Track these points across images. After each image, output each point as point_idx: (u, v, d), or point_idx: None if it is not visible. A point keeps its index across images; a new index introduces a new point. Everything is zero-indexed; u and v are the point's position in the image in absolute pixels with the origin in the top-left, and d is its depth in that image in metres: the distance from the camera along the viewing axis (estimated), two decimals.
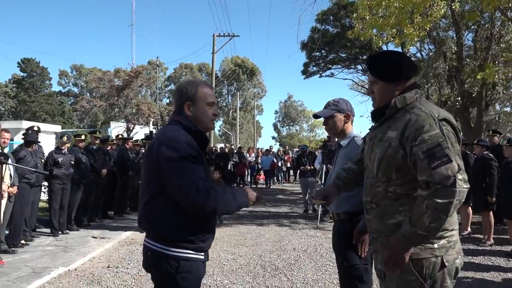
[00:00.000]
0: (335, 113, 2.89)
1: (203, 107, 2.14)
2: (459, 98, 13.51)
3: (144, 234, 2.11)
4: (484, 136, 11.39)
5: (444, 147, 1.77)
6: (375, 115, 2.12)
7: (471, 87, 13.06)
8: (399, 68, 1.99)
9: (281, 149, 23.15)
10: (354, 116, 2.97)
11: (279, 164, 19.42)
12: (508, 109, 21.04)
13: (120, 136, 10.73)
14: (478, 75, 10.61)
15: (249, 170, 18.30)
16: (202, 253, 2.06)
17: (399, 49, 12.10)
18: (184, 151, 1.94)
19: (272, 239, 7.16)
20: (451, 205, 1.74)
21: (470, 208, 7.23)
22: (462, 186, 1.75)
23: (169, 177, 1.93)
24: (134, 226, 8.10)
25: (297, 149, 22.20)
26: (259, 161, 18.81)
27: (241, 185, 17.59)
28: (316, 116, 2.98)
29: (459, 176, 1.75)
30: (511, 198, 6.02)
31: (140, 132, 24.60)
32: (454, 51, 13.60)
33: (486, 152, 6.92)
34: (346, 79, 27.48)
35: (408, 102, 1.96)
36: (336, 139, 3.05)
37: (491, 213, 6.78)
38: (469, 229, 7.33)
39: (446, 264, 1.86)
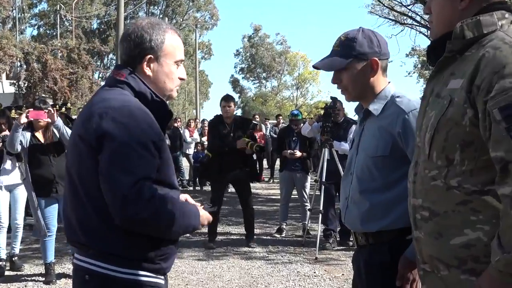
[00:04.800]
0: (350, 63, 2.29)
1: (170, 66, 2.02)
2: None
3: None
4: None
5: None
6: (432, 53, 1.82)
7: None
8: None
9: None
10: (388, 58, 2.39)
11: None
12: None
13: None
14: None
15: (192, 162, 14.62)
16: (162, 277, 2.02)
17: None
18: (141, 134, 1.82)
19: (237, 282, 5.90)
20: None
21: None
22: None
23: (107, 166, 1.80)
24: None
25: (275, 121, 19.61)
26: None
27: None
28: (317, 68, 2.53)
29: None
30: None
31: None
32: None
33: None
34: None
35: (485, 30, 1.60)
36: (359, 105, 2.52)
37: None
38: None
39: None
